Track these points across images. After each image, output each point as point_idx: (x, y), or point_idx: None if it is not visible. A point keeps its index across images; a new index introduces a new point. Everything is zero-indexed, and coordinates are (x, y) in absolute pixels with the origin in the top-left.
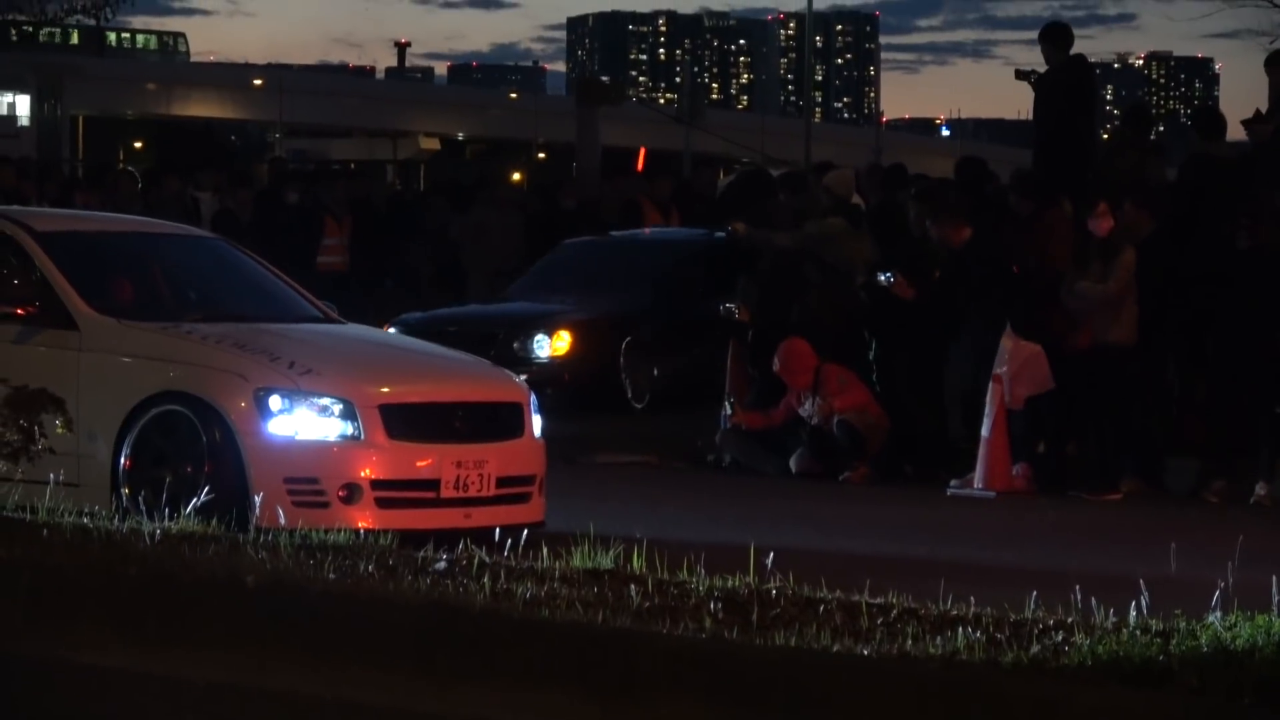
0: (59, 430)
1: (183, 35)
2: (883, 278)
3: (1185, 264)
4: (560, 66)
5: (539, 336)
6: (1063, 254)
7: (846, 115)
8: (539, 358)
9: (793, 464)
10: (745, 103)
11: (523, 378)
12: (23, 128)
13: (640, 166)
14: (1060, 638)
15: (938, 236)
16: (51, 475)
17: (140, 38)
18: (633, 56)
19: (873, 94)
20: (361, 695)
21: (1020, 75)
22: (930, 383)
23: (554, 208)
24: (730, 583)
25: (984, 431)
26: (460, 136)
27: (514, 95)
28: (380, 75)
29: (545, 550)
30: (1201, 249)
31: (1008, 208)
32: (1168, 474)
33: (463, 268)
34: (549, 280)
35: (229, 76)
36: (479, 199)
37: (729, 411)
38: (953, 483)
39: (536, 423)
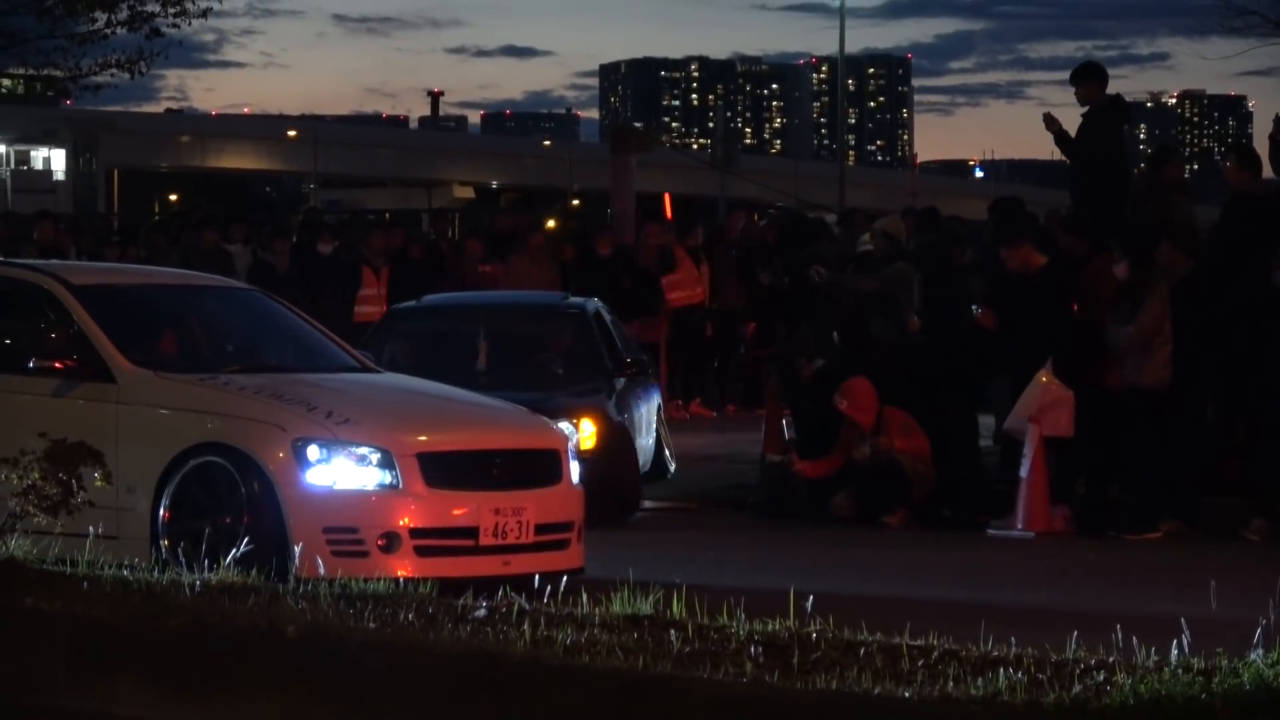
0: (98, 483)
1: (72, 79)
2: (974, 309)
3: (1224, 303)
4: (594, 113)
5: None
6: (1109, 298)
7: (880, 158)
8: None
9: (834, 508)
10: (779, 147)
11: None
12: (58, 181)
13: (669, 214)
14: (1102, 678)
15: (1010, 261)
16: (91, 528)
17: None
18: (665, 102)
19: (906, 136)
20: None
21: (1050, 126)
22: (970, 424)
23: (590, 255)
24: (770, 627)
25: (1022, 472)
26: (494, 185)
27: (548, 143)
28: (414, 125)
29: (585, 596)
30: (1240, 288)
31: (1057, 248)
32: (1207, 514)
33: None
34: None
35: (263, 128)
36: (518, 248)
37: (769, 456)
38: (992, 524)
39: (574, 469)
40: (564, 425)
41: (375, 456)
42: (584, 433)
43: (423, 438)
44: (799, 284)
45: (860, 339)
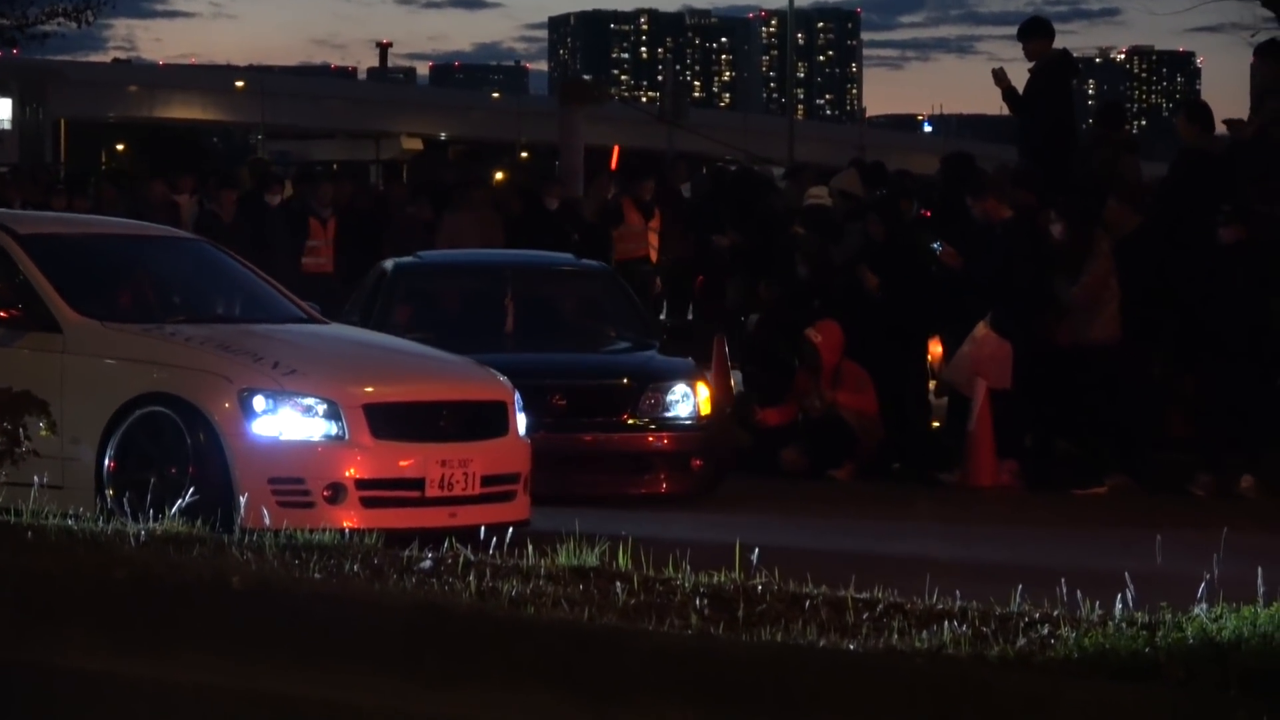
0: (43, 433)
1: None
2: (935, 246)
3: (1172, 259)
4: (542, 66)
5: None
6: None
7: (829, 112)
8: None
9: (783, 461)
10: (728, 101)
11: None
12: (5, 132)
13: (614, 165)
14: (1046, 631)
15: (975, 209)
16: (35, 478)
17: None
18: (615, 55)
19: (855, 91)
20: (349, 696)
21: (999, 81)
22: (921, 378)
23: (537, 208)
24: (716, 579)
25: (969, 426)
26: (443, 137)
27: (496, 95)
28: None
29: (530, 549)
30: (1188, 244)
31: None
32: (1154, 469)
33: None
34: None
35: (211, 79)
36: (455, 201)
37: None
38: (939, 478)
39: (521, 421)
40: (678, 388)
41: (321, 407)
42: (700, 397)
43: (369, 389)
44: (750, 242)
45: (825, 270)
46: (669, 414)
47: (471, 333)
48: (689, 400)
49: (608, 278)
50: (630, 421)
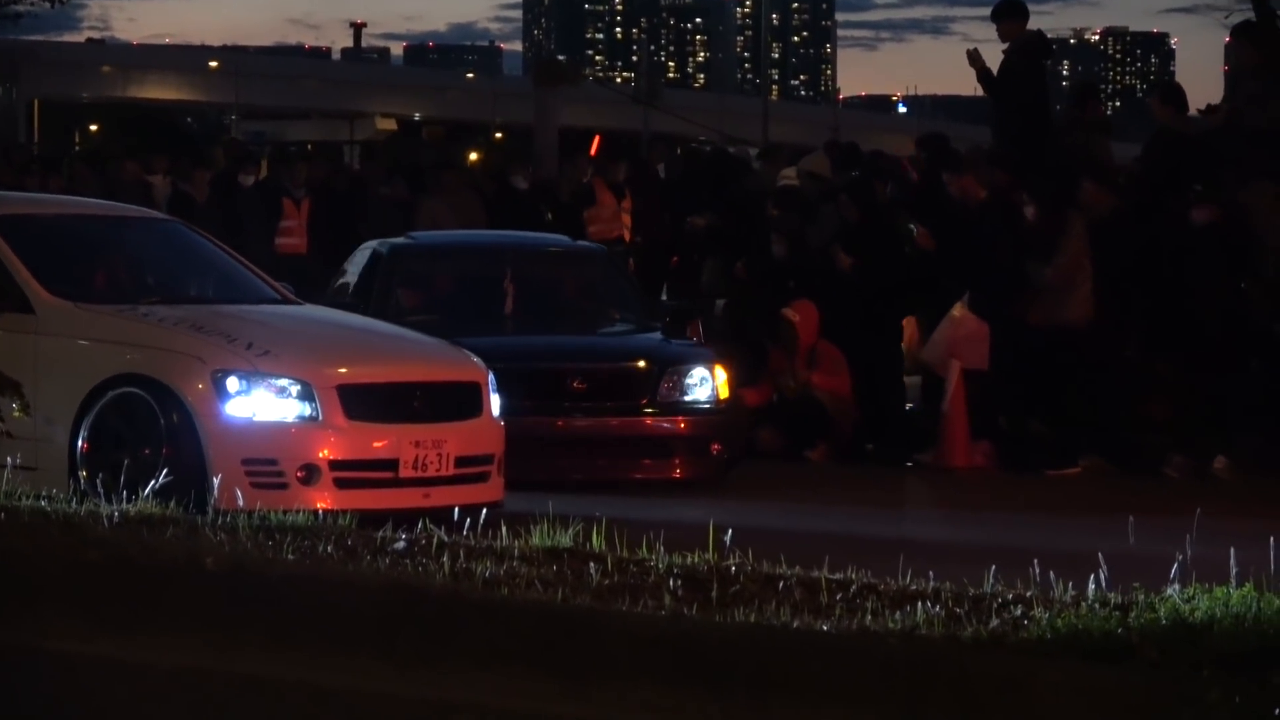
0: (16, 414)
1: None
2: (911, 228)
3: (1146, 240)
4: (517, 46)
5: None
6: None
7: (804, 93)
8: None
9: (758, 441)
10: (703, 81)
11: None
12: None
13: (593, 153)
14: (1019, 612)
15: (951, 186)
16: (9, 459)
17: None
18: (589, 36)
19: (830, 72)
20: (323, 677)
21: (974, 62)
22: (895, 359)
23: (506, 189)
24: (690, 560)
25: (943, 407)
26: (417, 117)
27: (471, 76)
28: (337, 56)
29: (504, 530)
30: (1162, 225)
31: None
32: (1128, 450)
33: None
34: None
35: (185, 59)
36: (432, 185)
37: None
38: (914, 459)
39: (495, 402)
40: (697, 371)
41: (295, 388)
42: (718, 380)
43: (343, 370)
44: (726, 223)
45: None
46: (688, 398)
47: (476, 315)
48: (708, 384)
49: (605, 259)
50: (650, 405)
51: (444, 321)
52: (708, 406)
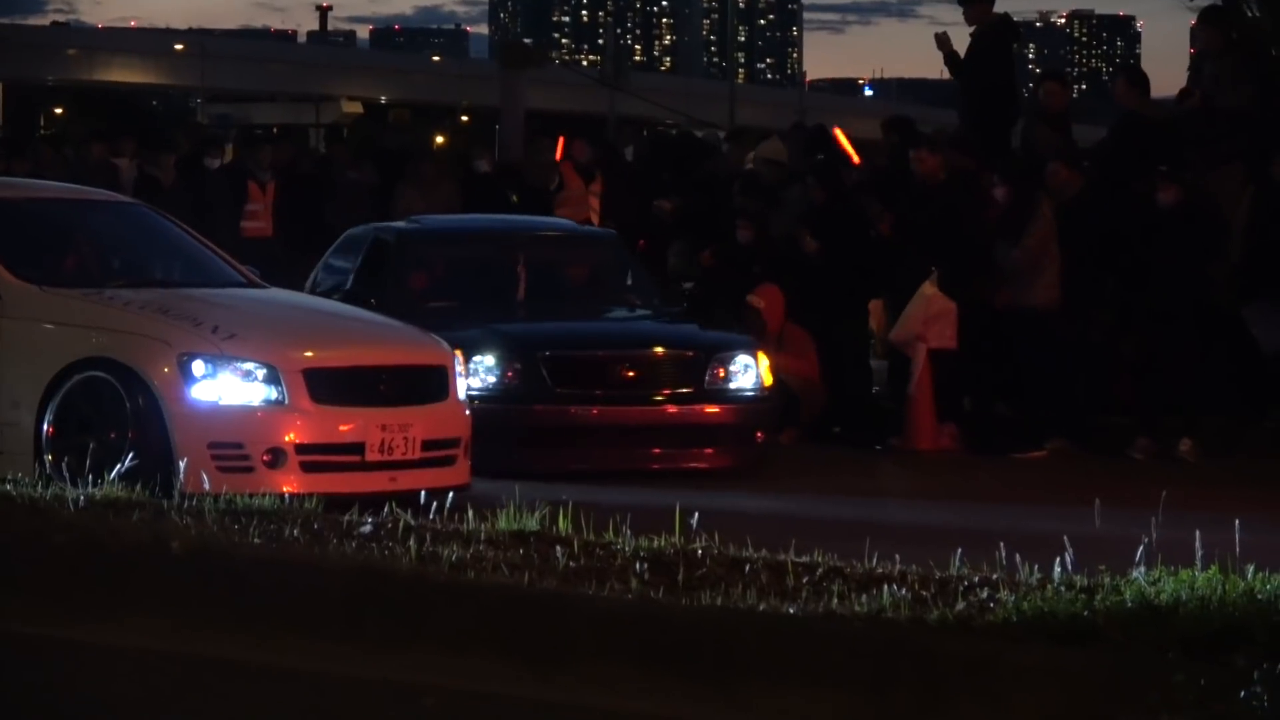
0: None
1: None
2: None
3: (1112, 223)
4: (483, 29)
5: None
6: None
7: (770, 76)
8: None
9: None
10: (669, 65)
11: None
12: None
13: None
14: (986, 595)
15: (919, 163)
16: None
17: None
18: (555, 19)
19: (796, 55)
20: (290, 660)
21: (941, 46)
22: (863, 342)
23: (469, 172)
24: (656, 543)
25: (909, 390)
26: (383, 100)
27: (437, 59)
28: (302, 39)
29: (471, 513)
30: (1128, 207)
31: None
32: (1094, 433)
33: None
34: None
35: (151, 42)
36: (408, 172)
37: None
38: (880, 442)
39: (461, 386)
40: (741, 358)
41: (261, 372)
42: (761, 367)
43: (309, 353)
44: (692, 206)
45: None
46: (733, 385)
47: (496, 301)
48: (751, 371)
49: (616, 244)
50: (699, 393)
51: (462, 308)
52: (752, 394)
